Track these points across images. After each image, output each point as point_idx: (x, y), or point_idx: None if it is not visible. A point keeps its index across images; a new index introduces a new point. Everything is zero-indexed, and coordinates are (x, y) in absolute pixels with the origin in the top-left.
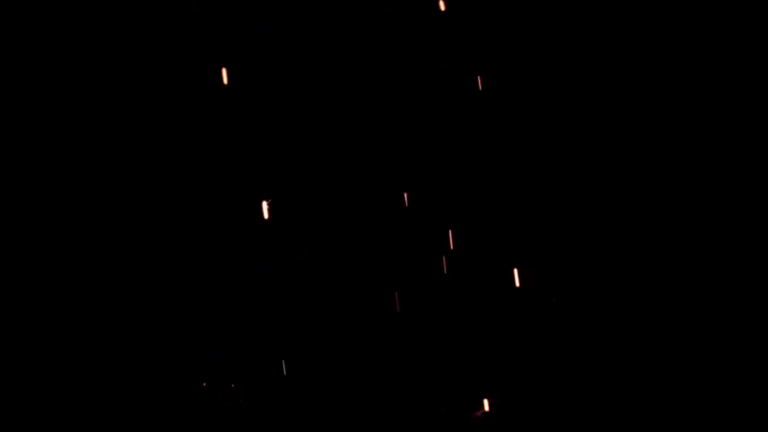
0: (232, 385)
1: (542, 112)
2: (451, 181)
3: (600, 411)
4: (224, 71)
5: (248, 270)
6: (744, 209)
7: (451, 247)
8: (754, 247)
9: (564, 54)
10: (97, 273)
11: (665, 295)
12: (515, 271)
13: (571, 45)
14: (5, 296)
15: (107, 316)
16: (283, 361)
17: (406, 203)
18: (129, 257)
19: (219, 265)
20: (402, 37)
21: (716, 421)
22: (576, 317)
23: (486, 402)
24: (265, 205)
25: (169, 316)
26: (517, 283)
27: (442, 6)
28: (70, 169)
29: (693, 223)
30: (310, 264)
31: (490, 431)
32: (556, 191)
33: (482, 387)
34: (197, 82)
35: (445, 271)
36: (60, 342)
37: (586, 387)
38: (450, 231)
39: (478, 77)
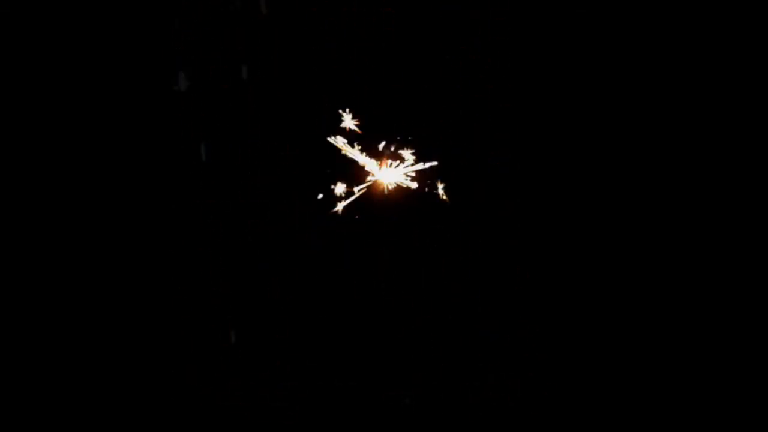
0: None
1: (542, 112)
2: (451, 180)
3: (600, 410)
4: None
5: (247, 270)
6: (744, 209)
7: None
8: (753, 247)
9: (564, 54)
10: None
11: (665, 295)
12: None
13: (571, 45)
14: (5, 297)
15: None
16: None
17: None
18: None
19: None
20: (402, 37)
21: (716, 420)
22: (576, 317)
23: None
24: None
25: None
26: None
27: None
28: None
29: (693, 223)
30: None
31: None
32: (556, 191)
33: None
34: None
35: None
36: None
37: (586, 386)
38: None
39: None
